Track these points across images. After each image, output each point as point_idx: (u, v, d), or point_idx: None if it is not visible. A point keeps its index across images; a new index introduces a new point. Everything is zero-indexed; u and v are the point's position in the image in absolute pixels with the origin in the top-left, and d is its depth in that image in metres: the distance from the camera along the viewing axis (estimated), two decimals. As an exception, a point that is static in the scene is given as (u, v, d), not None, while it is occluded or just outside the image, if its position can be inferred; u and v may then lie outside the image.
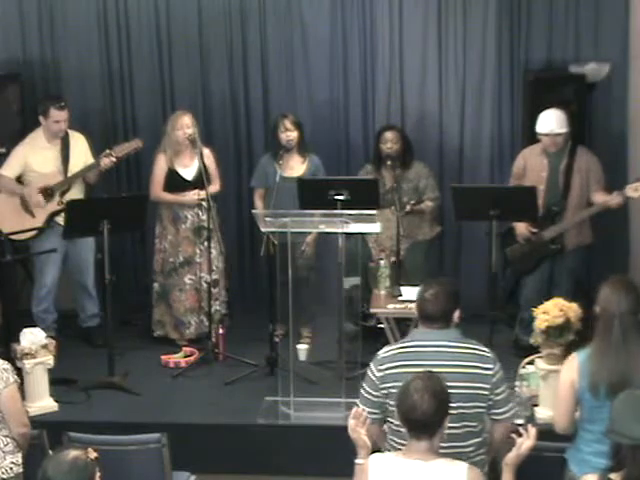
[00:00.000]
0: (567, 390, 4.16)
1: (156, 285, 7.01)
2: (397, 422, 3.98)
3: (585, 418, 4.12)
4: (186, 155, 6.80)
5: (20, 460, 4.42)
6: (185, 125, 6.72)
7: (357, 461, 3.84)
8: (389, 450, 4.07)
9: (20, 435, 4.44)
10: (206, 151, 6.89)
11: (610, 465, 3.45)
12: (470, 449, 4.05)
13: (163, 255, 6.94)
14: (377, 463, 3.71)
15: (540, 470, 4.14)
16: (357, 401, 4.20)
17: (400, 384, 3.98)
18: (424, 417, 3.58)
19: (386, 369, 4.11)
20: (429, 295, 4.16)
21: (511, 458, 3.85)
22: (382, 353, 4.20)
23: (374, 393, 4.14)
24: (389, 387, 4.08)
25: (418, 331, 4.25)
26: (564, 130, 6.48)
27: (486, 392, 4.08)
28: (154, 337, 7.01)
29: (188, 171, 6.79)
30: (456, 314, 4.19)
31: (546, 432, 4.24)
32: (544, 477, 4.22)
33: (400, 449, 3.90)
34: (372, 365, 4.18)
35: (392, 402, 4.00)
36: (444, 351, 4.09)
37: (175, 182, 6.83)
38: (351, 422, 3.92)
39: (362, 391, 4.20)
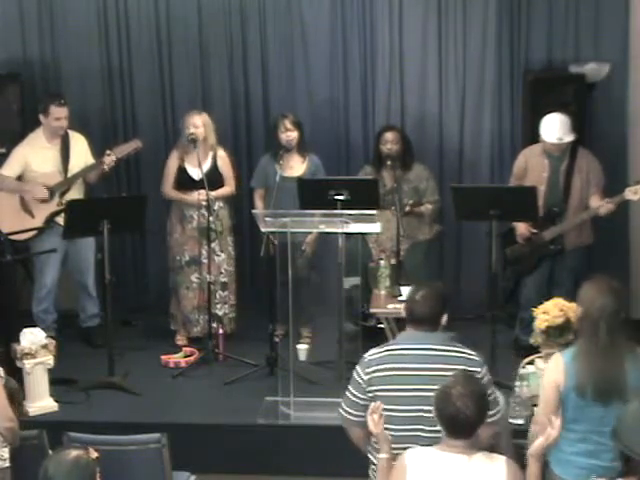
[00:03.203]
0: (552, 391, 4.10)
1: (170, 280, 7.05)
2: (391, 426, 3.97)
3: (569, 418, 4.06)
4: (197, 154, 6.71)
5: (6, 455, 4.37)
6: (192, 125, 6.72)
7: (380, 456, 3.83)
8: (370, 453, 4.07)
9: (6, 429, 4.41)
10: (221, 153, 6.89)
11: (621, 470, 3.41)
12: None
13: (172, 252, 6.99)
14: (415, 457, 3.68)
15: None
16: (341, 403, 4.17)
17: (387, 387, 3.99)
18: (468, 421, 3.60)
19: (373, 372, 4.06)
20: (418, 297, 4.14)
21: (536, 448, 3.87)
22: (368, 355, 4.16)
23: (360, 396, 4.10)
24: (375, 390, 4.05)
25: (405, 333, 4.22)
26: (572, 138, 6.45)
27: None
28: (171, 329, 7.06)
29: (197, 170, 6.71)
30: (444, 318, 4.17)
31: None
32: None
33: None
34: (358, 367, 4.14)
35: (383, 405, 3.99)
36: (431, 354, 4.07)
37: (183, 180, 6.84)
38: (374, 417, 3.91)
39: (348, 394, 4.15)
